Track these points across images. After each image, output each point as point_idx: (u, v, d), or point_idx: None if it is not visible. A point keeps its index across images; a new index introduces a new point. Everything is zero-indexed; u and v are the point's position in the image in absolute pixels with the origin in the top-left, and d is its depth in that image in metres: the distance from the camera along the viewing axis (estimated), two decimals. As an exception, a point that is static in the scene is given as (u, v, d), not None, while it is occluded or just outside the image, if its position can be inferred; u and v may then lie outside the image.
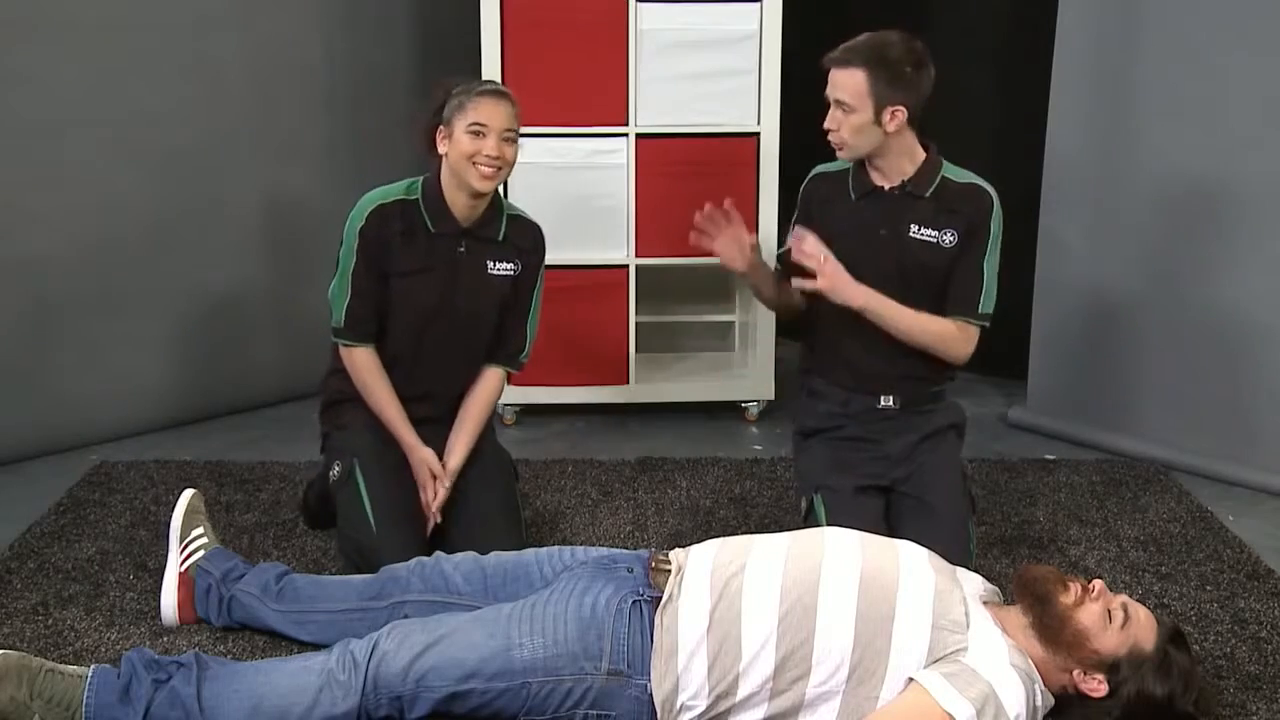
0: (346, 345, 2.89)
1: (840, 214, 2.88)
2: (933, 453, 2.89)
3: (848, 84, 2.71)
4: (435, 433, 2.92)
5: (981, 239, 2.83)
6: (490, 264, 2.91)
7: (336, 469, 2.89)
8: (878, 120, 2.72)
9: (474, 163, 2.75)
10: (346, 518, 2.83)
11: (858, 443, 2.90)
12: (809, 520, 2.84)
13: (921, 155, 2.82)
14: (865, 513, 2.76)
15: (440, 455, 2.90)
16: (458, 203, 2.85)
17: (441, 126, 2.80)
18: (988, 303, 2.85)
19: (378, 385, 2.88)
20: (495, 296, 2.94)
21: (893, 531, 2.76)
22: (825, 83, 2.77)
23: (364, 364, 2.88)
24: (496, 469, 2.98)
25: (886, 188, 2.83)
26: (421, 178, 2.89)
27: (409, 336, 2.90)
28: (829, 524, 2.67)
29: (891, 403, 2.91)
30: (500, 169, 2.79)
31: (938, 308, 2.85)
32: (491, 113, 2.76)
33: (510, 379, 3.13)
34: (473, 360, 2.99)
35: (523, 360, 3.05)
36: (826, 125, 2.77)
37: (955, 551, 2.54)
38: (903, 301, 2.81)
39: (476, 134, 2.74)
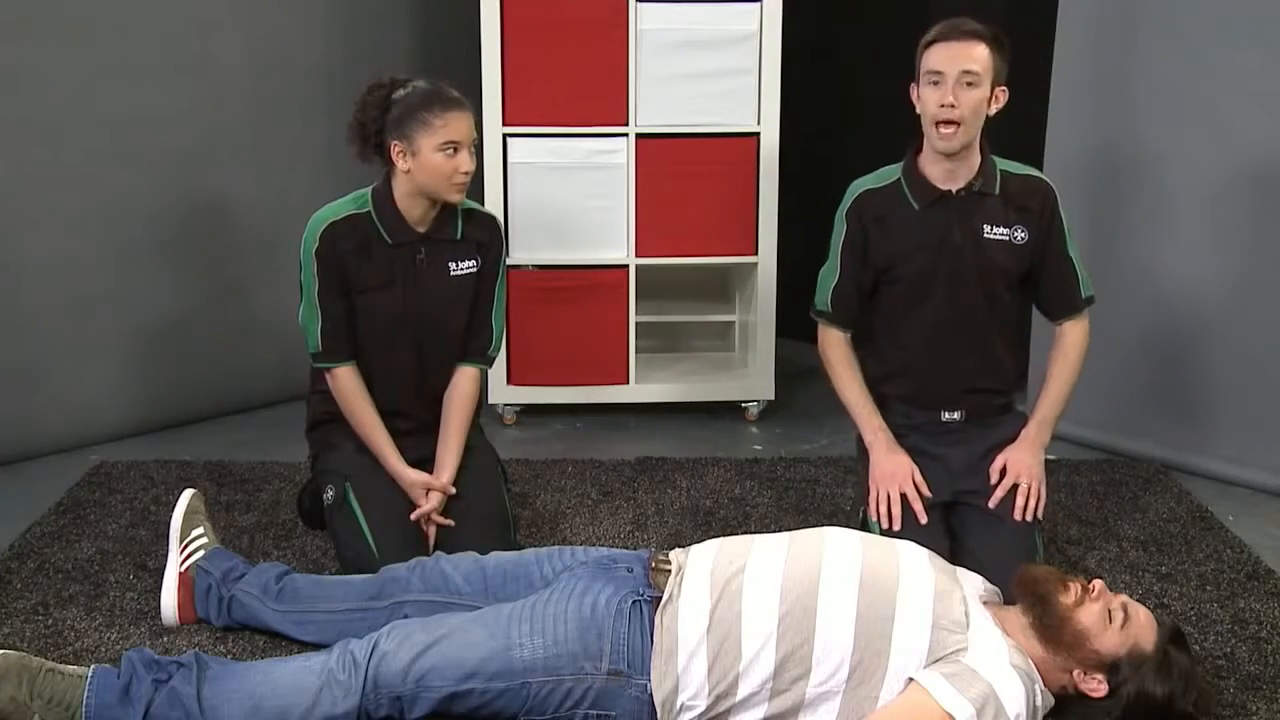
0: (328, 368, 2.85)
1: (903, 227, 2.76)
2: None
3: (975, 55, 2.60)
4: (419, 442, 2.90)
5: (1057, 233, 2.78)
6: (452, 265, 2.87)
7: (330, 493, 2.86)
8: (988, 100, 2.63)
9: (451, 181, 2.73)
10: (346, 544, 2.80)
11: (920, 455, 2.81)
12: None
13: (977, 150, 2.74)
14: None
15: (429, 465, 2.87)
16: (413, 211, 2.80)
17: (396, 141, 2.73)
18: (1086, 285, 2.83)
19: (362, 410, 2.84)
20: (460, 297, 2.89)
21: (956, 541, 2.74)
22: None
23: (348, 387, 2.84)
24: (484, 468, 2.95)
25: (954, 190, 2.73)
26: (369, 189, 2.84)
27: (378, 350, 2.86)
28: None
29: (957, 416, 2.85)
30: (469, 178, 2.76)
31: (1013, 305, 2.82)
32: (460, 127, 2.71)
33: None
34: (446, 364, 2.94)
35: (492, 354, 3.00)
36: (947, 101, 2.61)
37: (1022, 563, 2.42)
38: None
39: (450, 153, 2.71)
